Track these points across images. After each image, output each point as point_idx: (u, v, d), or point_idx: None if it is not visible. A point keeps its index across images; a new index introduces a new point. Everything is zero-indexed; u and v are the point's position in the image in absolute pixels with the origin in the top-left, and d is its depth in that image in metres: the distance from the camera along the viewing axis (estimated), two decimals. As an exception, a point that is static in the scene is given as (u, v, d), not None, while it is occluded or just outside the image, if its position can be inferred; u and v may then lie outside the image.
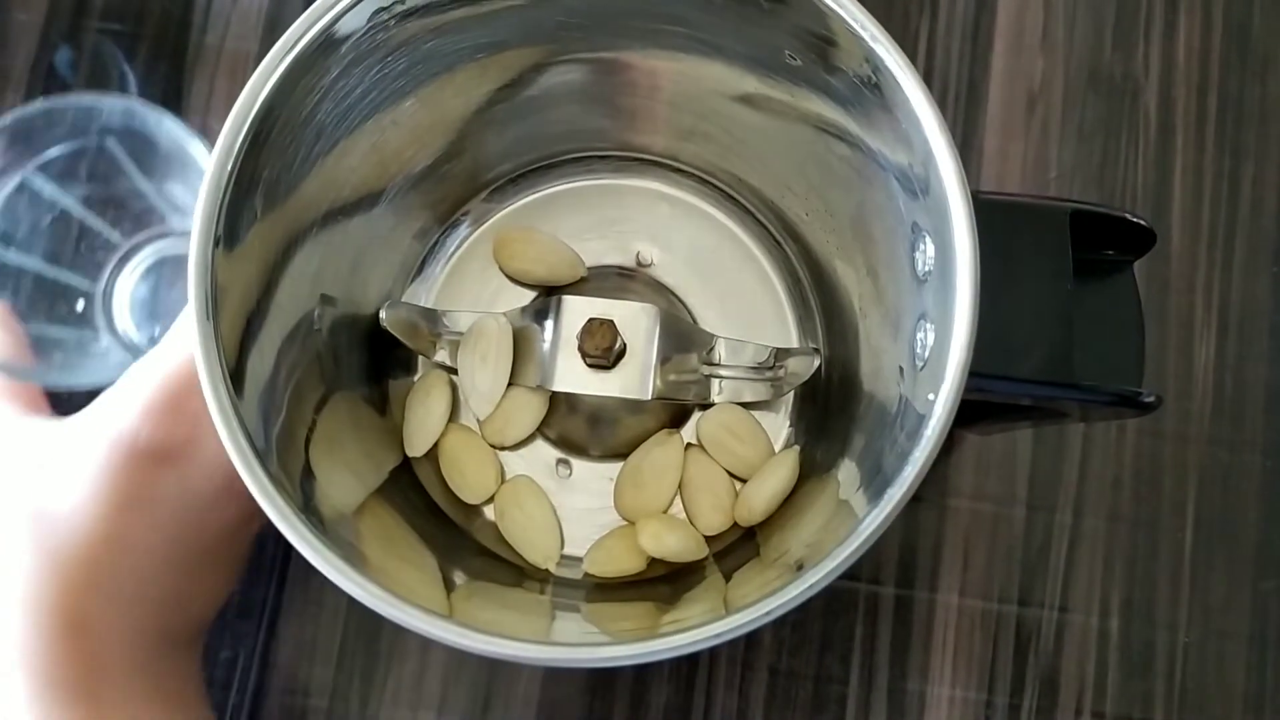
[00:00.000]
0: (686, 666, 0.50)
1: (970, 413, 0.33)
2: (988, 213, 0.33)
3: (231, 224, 0.35)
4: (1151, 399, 0.36)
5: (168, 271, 0.53)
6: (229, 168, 0.35)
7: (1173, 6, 0.56)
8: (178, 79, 0.55)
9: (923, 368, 0.35)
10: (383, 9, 0.36)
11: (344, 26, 0.36)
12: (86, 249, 0.52)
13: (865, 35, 0.35)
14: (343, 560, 0.33)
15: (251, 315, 0.37)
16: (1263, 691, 0.50)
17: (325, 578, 0.49)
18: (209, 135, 0.41)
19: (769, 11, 0.37)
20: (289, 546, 0.50)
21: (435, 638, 0.33)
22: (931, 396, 0.33)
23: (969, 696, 0.50)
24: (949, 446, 0.52)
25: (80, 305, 0.52)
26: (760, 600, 0.32)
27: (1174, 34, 0.56)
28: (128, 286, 0.53)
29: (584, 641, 0.39)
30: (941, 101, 0.54)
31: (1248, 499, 0.52)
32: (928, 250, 0.35)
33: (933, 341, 0.35)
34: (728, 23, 0.39)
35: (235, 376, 0.34)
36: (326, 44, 0.36)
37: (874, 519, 0.32)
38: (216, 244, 0.34)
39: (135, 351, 0.51)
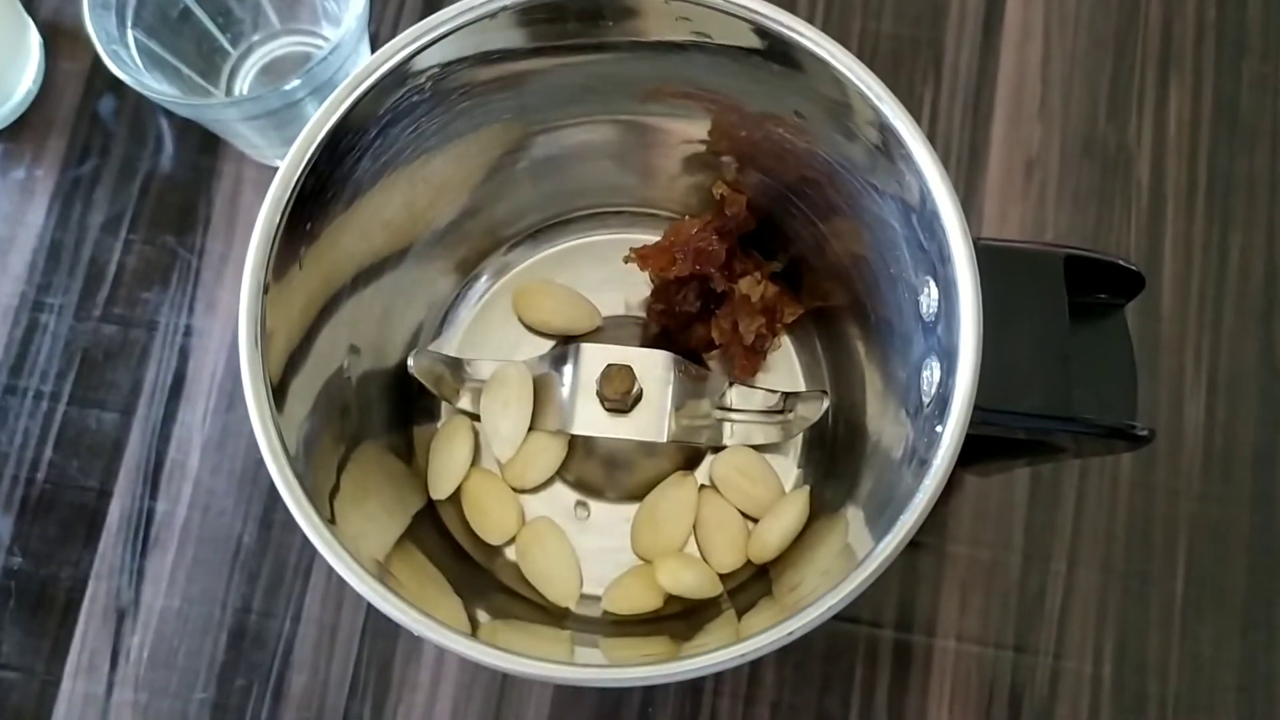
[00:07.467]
0: (691, 702, 0.51)
1: (970, 450, 0.35)
2: (988, 258, 0.35)
3: (279, 272, 0.37)
4: (1145, 432, 0.38)
5: (274, 73, 0.56)
6: (277, 220, 0.37)
7: (1164, 81, 0.58)
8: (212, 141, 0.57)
9: (929, 404, 0.37)
10: (420, 71, 0.39)
11: (382, 89, 0.38)
12: (207, 50, 0.54)
13: (872, 96, 0.37)
14: (363, 569, 0.35)
15: (292, 356, 0.39)
16: (1252, 739, 0.51)
17: (341, 606, 0.51)
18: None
19: (781, 75, 0.39)
20: (305, 578, 0.52)
21: (458, 652, 0.34)
22: (939, 429, 0.35)
23: (966, 739, 0.51)
24: (948, 490, 0.53)
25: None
26: (776, 624, 0.34)
27: (1165, 107, 0.58)
28: (243, 88, 0.56)
29: (600, 663, 0.41)
30: (944, 166, 0.56)
31: (1236, 553, 0.53)
32: (932, 294, 0.37)
33: (938, 378, 0.36)
34: (741, 84, 0.41)
35: (277, 393, 0.37)
36: (366, 107, 0.38)
37: (886, 545, 0.34)
38: (265, 291, 0.36)
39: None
